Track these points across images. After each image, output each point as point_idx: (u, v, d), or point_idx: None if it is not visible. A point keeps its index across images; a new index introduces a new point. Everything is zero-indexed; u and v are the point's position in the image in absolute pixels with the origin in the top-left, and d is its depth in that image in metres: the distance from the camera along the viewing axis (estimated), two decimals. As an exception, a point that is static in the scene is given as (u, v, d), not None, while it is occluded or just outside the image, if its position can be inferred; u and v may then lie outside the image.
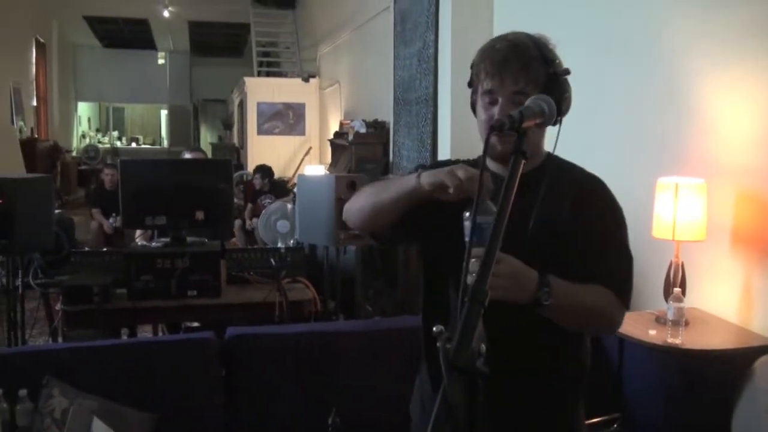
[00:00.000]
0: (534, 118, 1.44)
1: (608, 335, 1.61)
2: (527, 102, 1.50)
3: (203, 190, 3.88)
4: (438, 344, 1.02)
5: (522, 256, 1.45)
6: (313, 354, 2.81)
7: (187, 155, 4.74)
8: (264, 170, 8.94)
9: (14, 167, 7.72)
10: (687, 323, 2.79)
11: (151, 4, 15.36)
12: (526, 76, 1.64)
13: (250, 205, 8.67)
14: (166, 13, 15.78)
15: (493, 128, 1.40)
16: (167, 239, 3.82)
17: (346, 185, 3.75)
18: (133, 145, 21.99)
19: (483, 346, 1.02)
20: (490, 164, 1.67)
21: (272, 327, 3.24)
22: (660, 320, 2.84)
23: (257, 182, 8.82)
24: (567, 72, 1.70)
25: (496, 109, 1.65)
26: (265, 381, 2.78)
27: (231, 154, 15.02)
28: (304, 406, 2.76)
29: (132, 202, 3.84)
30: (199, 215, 3.80)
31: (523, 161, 1.35)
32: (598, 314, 1.62)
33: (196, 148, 6.24)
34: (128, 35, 19.72)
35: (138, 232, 4.74)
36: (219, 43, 20.47)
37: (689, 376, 2.69)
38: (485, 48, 1.71)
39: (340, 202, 3.70)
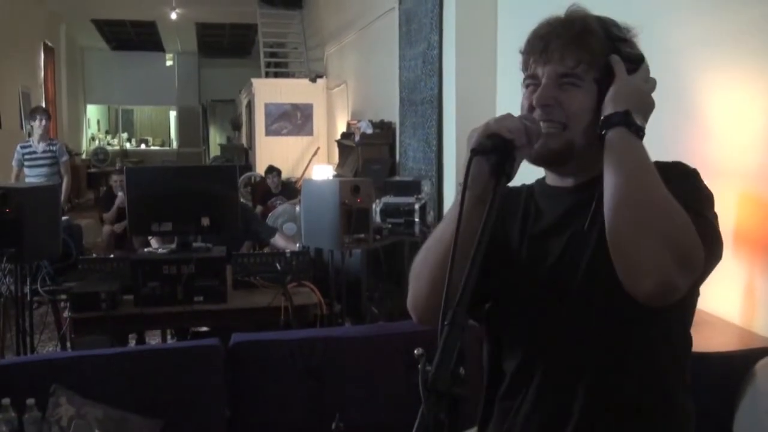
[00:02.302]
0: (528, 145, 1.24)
1: (687, 270, 1.17)
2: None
3: (209, 196, 3.90)
4: (419, 366, 1.01)
5: (582, 271, 1.32)
6: (317, 359, 2.81)
7: None
8: (277, 171, 8.95)
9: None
10: (691, 325, 2.79)
11: (159, 6, 15.40)
12: (576, 54, 1.33)
13: (259, 207, 8.65)
14: (173, 15, 15.82)
15: (474, 151, 1.21)
16: (173, 245, 3.86)
17: (350, 189, 3.77)
18: (143, 146, 22.05)
19: (462, 370, 1.02)
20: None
21: (276, 333, 3.26)
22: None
23: (272, 183, 8.80)
24: (640, 58, 1.39)
25: (536, 95, 1.35)
26: (269, 387, 2.79)
27: (240, 155, 15.05)
28: (308, 411, 2.77)
29: (138, 208, 3.88)
30: (205, 221, 3.82)
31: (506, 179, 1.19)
32: (673, 214, 1.20)
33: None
34: (136, 37, 19.78)
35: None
36: (227, 44, 20.52)
37: (690, 378, 2.68)
38: (536, 25, 1.42)
39: (344, 206, 3.72)
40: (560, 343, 1.37)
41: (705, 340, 2.77)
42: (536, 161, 1.39)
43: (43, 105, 13.38)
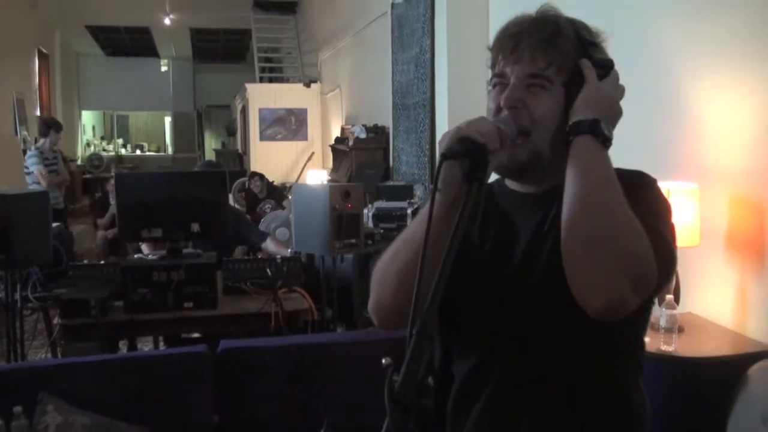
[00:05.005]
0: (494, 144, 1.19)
1: (639, 290, 1.14)
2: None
3: (199, 202, 3.89)
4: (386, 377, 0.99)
5: (538, 274, 1.30)
6: (305, 366, 2.81)
7: None
8: (260, 175, 8.95)
9: (18, 177, 7.78)
10: (681, 329, 2.77)
11: (152, 12, 15.39)
12: (548, 55, 1.30)
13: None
14: (167, 21, 15.80)
15: (445, 156, 1.17)
16: (164, 252, 3.84)
17: (341, 195, 3.76)
18: (138, 152, 22.01)
19: (431, 380, 1.00)
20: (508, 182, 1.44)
21: (265, 339, 3.24)
22: (653, 327, 2.83)
23: (255, 187, 8.78)
24: (609, 63, 1.35)
25: (504, 96, 1.31)
26: (257, 393, 2.78)
27: (234, 160, 15.03)
28: (297, 418, 2.77)
29: (128, 214, 3.87)
30: (195, 227, 3.81)
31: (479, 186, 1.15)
32: (630, 233, 1.17)
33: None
34: (131, 43, 19.77)
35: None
36: (221, 50, 20.52)
37: (683, 383, 2.67)
38: (507, 22, 1.38)
39: (334, 211, 3.71)
40: (514, 347, 1.34)
41: (698, 344, 2.77)
42: (503, 173, 1.38)
43: (38, 111, 13.41)
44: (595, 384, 1.34)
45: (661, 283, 1.24)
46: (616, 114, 1.32)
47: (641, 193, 1.29)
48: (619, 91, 1.36)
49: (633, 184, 1.28)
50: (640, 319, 1.37)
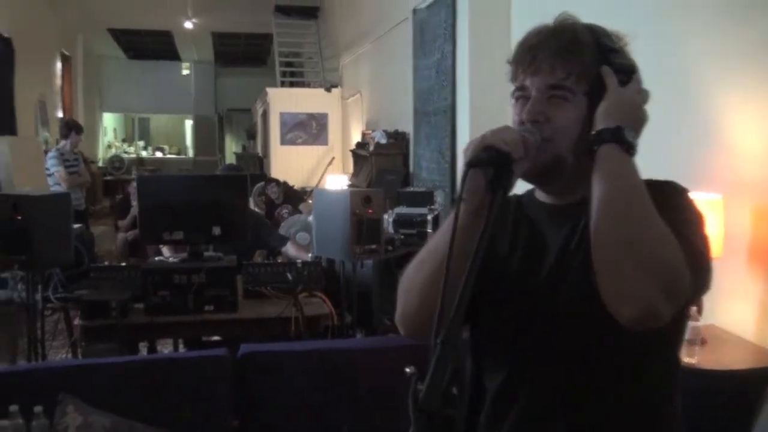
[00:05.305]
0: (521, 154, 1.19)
1: (672, 299, 1.13)
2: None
3: (220, 205, 3.91)
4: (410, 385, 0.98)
5: (567, 286, 1.29)
6: (325, 371, 2.80)
7: None
8: (276, 181, 8.98)
9: (40, 178, 7.84)
10: (704, 342, 2.75)
11: (174, 16, 15.48)
12: (567, 65, 1.28)
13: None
14: (189, 25, 15.90)
15: (470, 164, 1.17)
16: (184, 254, 3.86)
17: (361, 200, 3.76)
18: (159, 154, 22.13)
19: (455, 390, 0.99)
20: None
21: (285, 344, 3.25)
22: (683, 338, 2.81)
23: (272, 193, 8.80)
24: (631, 68, 1.33)
25: (525, 110, 1.31)
26: (277, 398, 2.78)
27: (254, 164, 15.07)
28: (316, 423, 2.76)
29: (149, 216, 3.88)
30: (216, 230, 3.82)
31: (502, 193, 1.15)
32: (661, 240, 1.15)
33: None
34: (153, 46, 19.88)
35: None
36: (243, 54, 20.59)
37: (705, 396, 2.65)
38: (525, 34, 1.36)
39: (355, 216, 3.71)
40: (542, 362, 1.33)
41: (720, 357, 2.74)
42: (528, 177, 1.35)
43: (60, 113, 13.51)
44: (628, 402, 1.31)
45: (696, 292, 1.23)
46: (640, 119, 1.30)
47: (671, 202, 1.27)
48: (643, 95, 1.34)
49: (663, 192, 1.27)
50: (674, 334, 1.36)
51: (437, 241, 1.31)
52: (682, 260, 1.15)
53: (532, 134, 1.26)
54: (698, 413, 2.63)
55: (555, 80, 1.29)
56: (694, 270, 1.17)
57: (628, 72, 1.31)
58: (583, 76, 1.29)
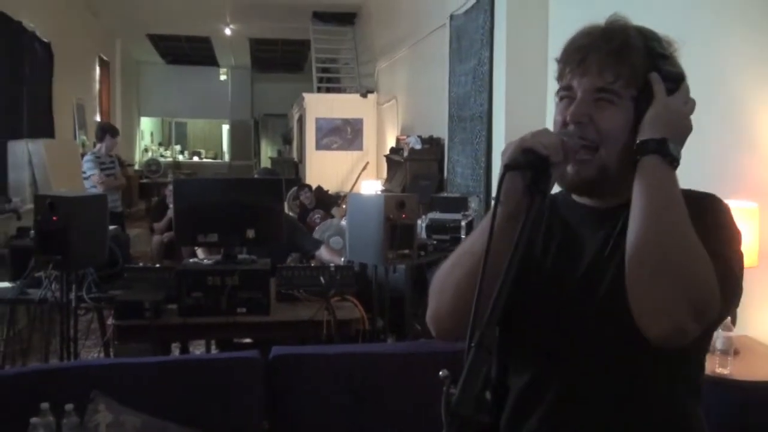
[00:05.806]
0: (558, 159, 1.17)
1: (701, 318, 1.12)
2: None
3: (255, 208, 3.92)
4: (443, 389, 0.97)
5: (599, 295, 1.28)
6: (356, 375, 2.79)
7: None
8: (308, 186, 9.03)
9: (78, 180, 7.93)
10: (737, 352, 2.70)
11: (213, 22, 15.61)
12: (616, 69, 1.26)
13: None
14: (227, 31, 16.04)
15: (507, 167, 1.16)
16: (218, 257, 3.87)
17: (395, 205, 3.75)
18: (195, 159, 22.33)
19: (488, 395, 0.97)
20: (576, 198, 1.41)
21: (317, 347, 3.24)
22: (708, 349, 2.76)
23: (305, 199, 8.84)
24: (680, 77, 1.30)
25: (570, 110, 1.29)
26: (308, 400, 2.77)
27: (290, 169, 15.15)
28: (346, 426, 2.75)
29: (185, 219, 3.91)
30: (250, 233, 3.83)
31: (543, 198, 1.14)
32: (696, 260, 1.14)
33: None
34: (191, 52, 20.06)
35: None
36: (280, 60, 20.70)
37: (738, 407, 2.59)
38: (575, 33, 1.35)
39: (389, 221, 3.70)
40: (568, 367, 1.31)
41: (753, 368, 2.69)
42: (569, 188, 1.34)
43: (98, 117, 13.69)
44: (652, 411, 1.29)
45: (723, 312, 1.20)
46: (685, 130, 1.28)
47: (709, 219, 1.25)
48: (690, 105, 1.31)
49: (702, 207, 1.26)
50: (700, 346, 1.34)
51: (473, 242, 1.30)
52: (715, 282, 1.14)
53: (571, 138, 1.24)
54: (731, 424, 2.59)
55: (603, 83, 1.27)
56: (724, 293, 1.16)
57: (676, 80, 1.29)
58: (631, 80, 1.27)
